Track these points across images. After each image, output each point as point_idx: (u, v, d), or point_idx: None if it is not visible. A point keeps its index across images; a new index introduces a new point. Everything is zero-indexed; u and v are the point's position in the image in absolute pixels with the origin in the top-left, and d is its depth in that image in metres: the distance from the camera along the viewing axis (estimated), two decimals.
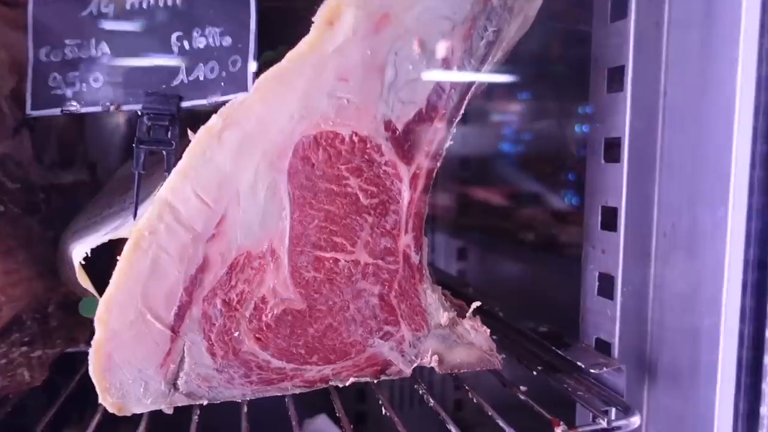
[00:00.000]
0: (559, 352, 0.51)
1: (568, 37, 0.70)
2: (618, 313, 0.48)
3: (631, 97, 0.46)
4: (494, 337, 0.50)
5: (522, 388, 0.47)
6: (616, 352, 0.48)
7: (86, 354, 0.47)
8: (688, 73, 0.44)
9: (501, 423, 0.44)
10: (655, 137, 0.46)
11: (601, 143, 0.49)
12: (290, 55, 0.40)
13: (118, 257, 0.40)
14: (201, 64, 0.45)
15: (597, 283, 0.50)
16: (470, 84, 0.42)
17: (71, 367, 0.54)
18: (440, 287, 0.47)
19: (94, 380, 0.41)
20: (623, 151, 0.46)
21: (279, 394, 0.46)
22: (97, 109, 0.45)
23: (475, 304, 0.47)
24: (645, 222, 0.47)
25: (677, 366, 0.45)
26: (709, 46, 0.43)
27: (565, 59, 0.76)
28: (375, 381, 0.47)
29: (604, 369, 0.46)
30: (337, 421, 0.81)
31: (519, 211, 1.01)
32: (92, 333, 0.50)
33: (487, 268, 1.07)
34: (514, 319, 0.61)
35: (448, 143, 0.43)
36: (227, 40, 0.45)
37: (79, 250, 0.43)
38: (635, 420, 0.42)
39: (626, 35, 0.46)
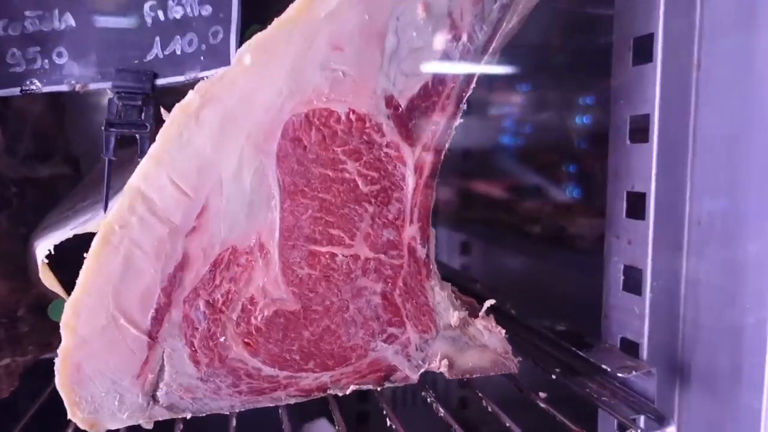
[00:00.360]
0: (580, 353, 0.46)
1: (583, 6, 0.65)
2: (647, 311, 0.43)
3: (662, 70, 0.41)
4: (506, 336, 0.46)
5: (542, 395, 0.42)
6: (644, 353, 0.43)
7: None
8: (727, 41, 0.39)
9: (509, 423, 0.40)
10: (687, 114, 0.41)
11: (626, 122, 0.44)
12: (277, 21, 0.35)
13: (86, 255, 0.36)
14: (178, 37, 0.40)
15: (622, 277, 0.46)
16: (483, 53, 0.37)
17: (47, 376, 0.50)
18: (449, 284, 0.43)
19: (62, 393, 0.36)
20: (652, 130, 0.42)
21: (271, 405, 0.41)
22: (62, 88, 0.40)
23: (489, 302, 0.42)
24: (677, 209, 0.42)
25: (714, 369, 0.40)
26: (751, 7, 0.38)
27: (576, 44, 0.71)
28: (378, 389, 0.42)
29: (633, 373, 0.41)
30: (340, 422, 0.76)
31: (524, 203, 0.96)
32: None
33: (492, 262, 1.02)
34: (526, 317, 0.56)
35: (458, 121, 0.38)
36: (207, 9, 0.40)
37: (43, 247, 0.39)
38: (670, 430, 0.38)
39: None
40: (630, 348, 0.45)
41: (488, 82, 0.93)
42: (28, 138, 0.65)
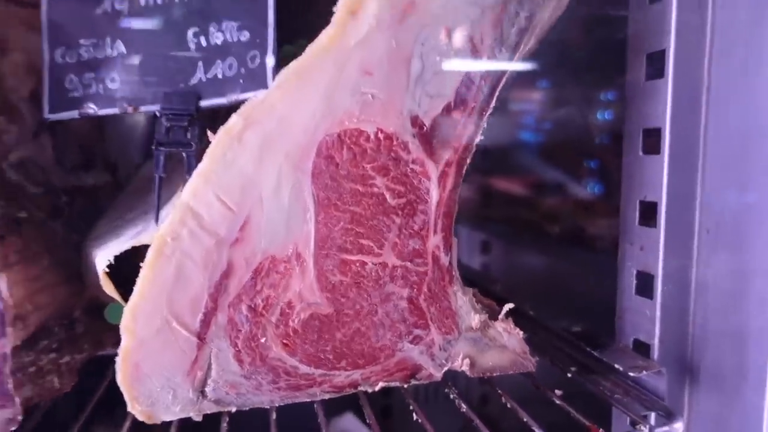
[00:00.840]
0: (595, 353, 0.49)
1: (598, 20, 0.66)
2: (658, 313, 0.45)
3: (673, 84, 0.43)
4: (524, 336, 0.49)
5: (557, 392, 0.45)
6: (655, 353, 0.46)
7: (114, 357, 0.47)
8: (735, 57, 0.41)
9: (527, 419, 0.43)
10: (698, 127, 0.43)
11: (639, 134, 0.46)
12: (311, 49, 0.38)
13: (141, 263, 0.39)
14: (219, 61, 0.43)
15: (635, 282, 0.48)
16: (502, 74, 0.40)
17: (98, 371, 0.54)
18: (471, 289, 0.46)
19: (122, 389, 0.40)
20: (664, 142, 0.44)
21: (308, 400, 0.45)
22: (115, 110, 0.43)
23: (508, 306, 0.45)
24: (687, 218, 0.44)
25: (722, 370, 0.43)
26: (759, 27, 0.39)
27: (594, 44, 0.73)
28: (405, 386, 0.46)
29: (644, 372, 0.44)
30: (363, 419, 0.80)
31: (543, 202, 0.98)
32: (119, 336, 0.49)
33: (512, 262, 1.05)
34: (544, 317, 0.59)
35: (479, 138, 0.41)
36: (245, 35, 0.43)
37: (102, 257, 0.43)
38: (678, 426, 0.40)
39: (668, 17, 0.43)
40: (642, 349, 0.47)
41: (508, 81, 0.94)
42: (74, 149, 0.69)
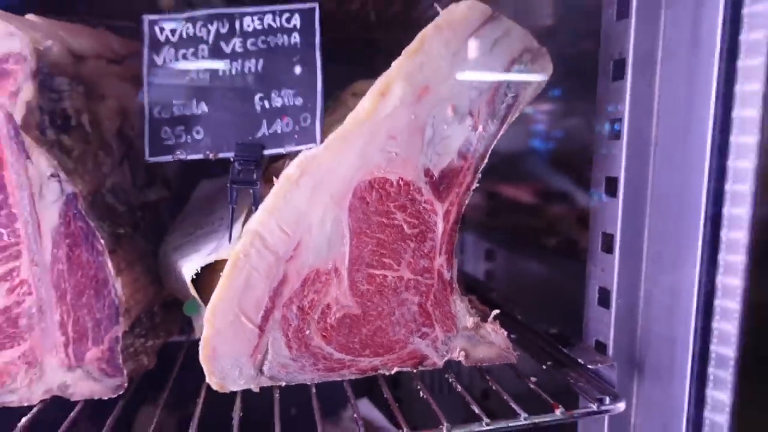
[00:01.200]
0: (565, 350, 0.62)
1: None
2: (612, 321, 0.58)
3: (627, 145, 0.56)
4: (513, 336, 0.62)
5: (532, 379, 0.58)
6: (610, 351, 0.59)
7: (177, 343, 0.61)
8: (678, 119, 0.54)
9: (513, 405, 0.56)
10: (646, 178, 0.56)
11: (602, 181, 0.59)
12: (351, 119, 0.52)
13: (215, 270, 0.53)
14: (278, 120, 0.57)
15: (597, 295, 0.61)
16: (493, 138, 0.53)
17: (170, 355, 0.68)
18: (467, 297, 0.59)
19: (203, 366, 0.54)
20: (619, 189, 0.57)
21: (339, 379, 0.58)
22: (200, 156, 0.57)
23: (495, 312, 0.58)
24: (636, 247, 0.57)
25: (658, 364, 0.56)
26: (690, 103, 0.52)
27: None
28: (414, 371, 0.59)
29: (599, 365, 0.57)
30: (377, 404, 0.94)
31: (542, 216, 1.10)
32: (182, 327, 0.63)
33: (512, 269, 1.17)
34: (530, 320, 0.72)
35: (475, 185, 0.54)
36: (299, 101, 0.57)
37: (189, 268, 0.56)
38: (621, 405, 0.53)
39: (623, 93, 0.56)
40: (600, 347, 0.60)
41: None
42: (142, 171, 0.83)
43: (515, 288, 1.12)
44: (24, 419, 0.52)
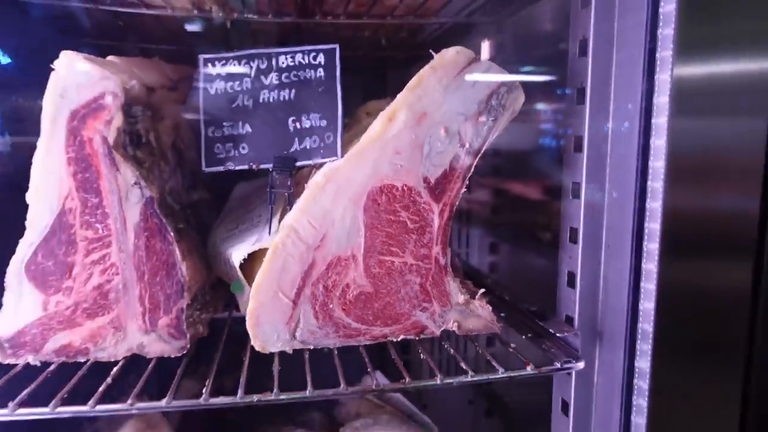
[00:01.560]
0: (541, 324, 0.76)
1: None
2: (578, 298, 0.72)
3: (587, 157, 0.70)
4: (503, 314, 0.76)
5: (512, 345, 0.72)
6: (576, 323, 0.72)
7: (221, 319, 0.76)
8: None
9: (494, 363, 0.70)
10: (604, 181, 0.70)
11: (570, 186, 0.73)
12: (366, 138, 0.66)
13: (256, 258, 0.68)
14: (307, 138, 0.72)
15: (566, 278, 0.75)
16: (477, 153, 0.67)
17: (216, 328, 0.83)
18: (462, 281, 0.73)
19: (249, 331, 0.69)
20: (581, 191, 0.70)
21: (356, 344, 0.73)
22: (245, 167, 0.72)
23: (481, 291, 0.72)
24: (596, 239, 0.71)
25: (613, 333, 0.69)
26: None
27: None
28: (417, 338, 0.73)
29: (566, 334, 0.71)
30: (387, 374, 1.08)
31: (536, 212, 1.23)
32: (226, 305, 0.78)
33: (512, 261, 1.31)
34: (516, 301, 0.86)
35: (464, 190, 0.68)
36: (323, 122, 0.71)
37: (237, 255, 0.71)
38: (580, 364, 0.67)
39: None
40: (569, 320, 0.74)
41: None
42: (188, 175, 0.98)
43: (512, 276, 1.26)
44: (114, 369, 0.67)
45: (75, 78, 0.63)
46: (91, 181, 0.64)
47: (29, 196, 0.64)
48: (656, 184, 0.59)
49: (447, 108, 0.65)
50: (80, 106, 0.63)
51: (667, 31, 0.59)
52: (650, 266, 0.61)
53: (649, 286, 0.61)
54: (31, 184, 0.64)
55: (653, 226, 0.60)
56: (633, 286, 0.63)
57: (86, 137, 0.64)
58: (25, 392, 0.61)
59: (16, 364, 0.66)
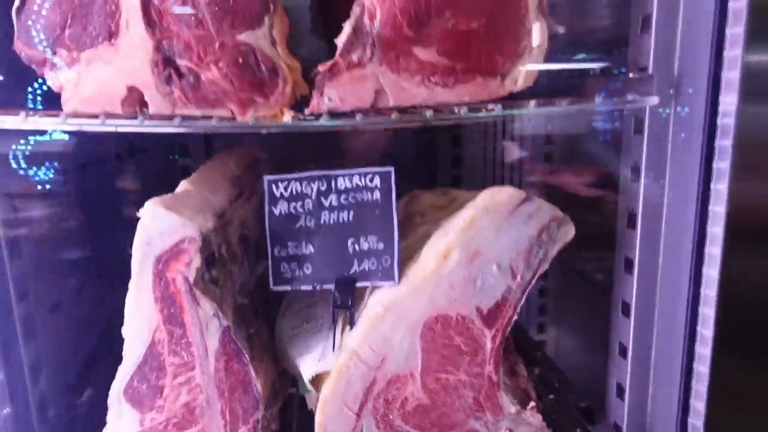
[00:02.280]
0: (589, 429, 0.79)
1: None
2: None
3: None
4: (554, 415, 0.80)
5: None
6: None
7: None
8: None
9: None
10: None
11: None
12: (422, 273, 0.70)
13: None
14: (365, 260, 0.76)
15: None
16: (528, 284, 0.70)
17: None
18: (510, 394, 0.77)
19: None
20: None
21: None
22: (309, 287, 0.78)
23: (532, 404, 0.76)
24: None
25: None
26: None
27: None
28: None
29: None
30: None
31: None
32: (291, 396, 0.85)
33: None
34: (567, 388, 0.90)
35: (515, 318, 0.71)
36: (380, 245, 0.76)
37: (306, 370, 0.78)
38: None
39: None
40: (617, 429, 0.77)
41: None
42: (253, 250, 1.05)
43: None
44: None
45: (158, 226, 0.69)
46: (175, 315, 0.72)
47: (124, 330, 0.72)
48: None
49: (499, 246, 0.68)
50: (164, 252, 0.70)
51: None
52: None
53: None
54: (125, 320, 0.72)
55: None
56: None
57: (170, 277, 0.71)
58: None
59: None
